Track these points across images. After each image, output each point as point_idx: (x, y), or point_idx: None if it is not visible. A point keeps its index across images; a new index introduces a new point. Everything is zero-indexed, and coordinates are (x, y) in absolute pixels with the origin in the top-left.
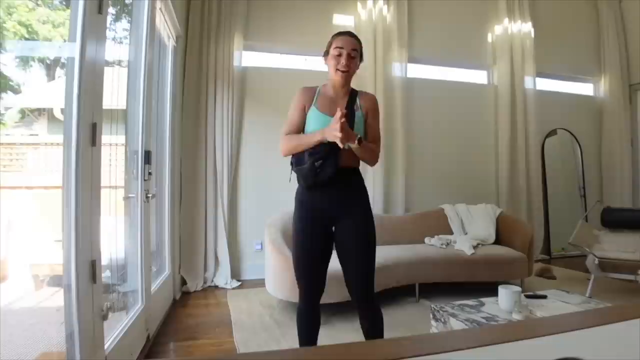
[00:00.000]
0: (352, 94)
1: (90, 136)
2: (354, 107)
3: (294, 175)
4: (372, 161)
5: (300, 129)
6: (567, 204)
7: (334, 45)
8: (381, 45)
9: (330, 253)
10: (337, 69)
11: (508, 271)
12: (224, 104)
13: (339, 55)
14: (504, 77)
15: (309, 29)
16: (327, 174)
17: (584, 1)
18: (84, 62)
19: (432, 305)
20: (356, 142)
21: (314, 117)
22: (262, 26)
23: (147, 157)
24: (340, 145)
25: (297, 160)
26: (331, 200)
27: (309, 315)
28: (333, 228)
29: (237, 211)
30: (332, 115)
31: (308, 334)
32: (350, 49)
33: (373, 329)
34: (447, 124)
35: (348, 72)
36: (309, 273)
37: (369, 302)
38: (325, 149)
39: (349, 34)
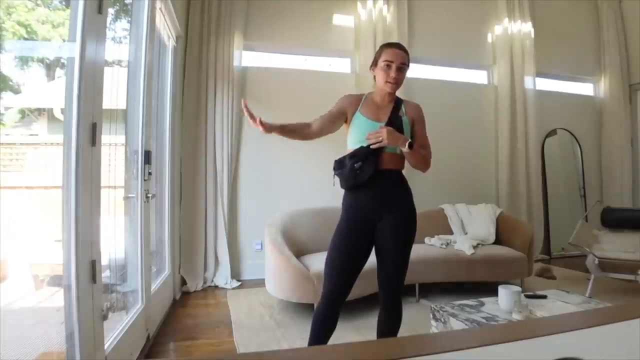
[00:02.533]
0: (397, 102)
1: (90, 136)
2: (400, 113)
3: (337, 179)
4: (424, 167)
5: (327, 119)
6: (567, 204)
7: (383, 58)
8: None
9: (364, 261)
10: (386, 81)
11: (508, 271)
12: (224, 103)
13: (388, 67)
14: (504, 77)
15: (309, 29)
16: (367, 174)
17: (584, 1)
18: (84, 62)
19: (432, 305)
20: (407, 145)
21: (358, 122)
22: (262, 26)
23: (147, 157)
24: (381, 145)
25: (339, 164)
26: (373, 201)
27: (328, 318)
28: (374, 232)
29: (237, 211)
30: (377, 120)
31: (322, 337)
32: (399, 62)
33: (390, 326)
34: (447, 124)
35: (397, 84)
36: (338, 276)
37: (395, 299)
38: (365, 151)
39: (398, 46)
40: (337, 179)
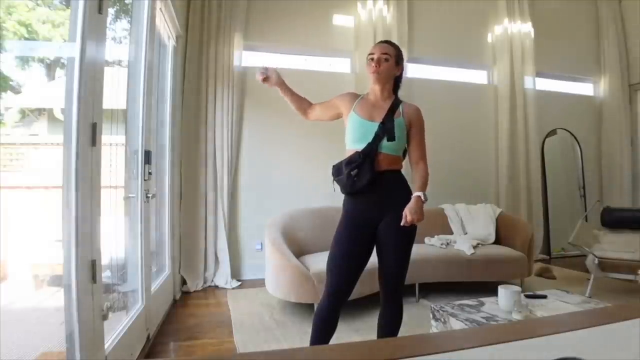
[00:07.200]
0: (396, 102)
1: (90, 136)
2: (395, 115)
3: (337, 185)
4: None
5: (323, 107)
6: (567, 204)
7: (368, 53)
8: None
9: (367, 260)
10: (370, 72)
11: (508, 271)
12: (224, 104)
13: (372, 60)
14: (504, 77)
15: (309, 29)
16: (364, 181)
17: (583, 1)
18: (84, 62)
19: (432, 305)
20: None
21: (352, 121)
22: (262, 26)
23: (147, 157)
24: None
25: (337, 171)
26: (373, 204)
27: (330, 315)
28: (376, 232)
29: (237, 211)
30: (370, 119)
31: (324, 336)
32: (380, 53)
33: (391, 326)
34: (447, 124)
35: (379, 73)
36: (340, 273)
37: (396, 299)
38: (360, 157)
39: (382, 41)
40: (336, 185)
